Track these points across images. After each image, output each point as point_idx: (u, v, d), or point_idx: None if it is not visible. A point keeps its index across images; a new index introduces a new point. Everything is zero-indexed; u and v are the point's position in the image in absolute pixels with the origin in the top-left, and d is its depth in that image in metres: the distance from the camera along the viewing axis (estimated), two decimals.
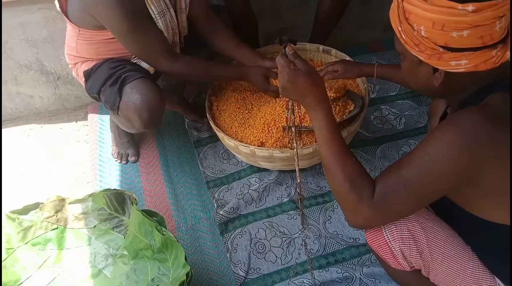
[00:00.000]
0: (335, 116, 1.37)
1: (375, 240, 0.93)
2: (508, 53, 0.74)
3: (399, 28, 0.78)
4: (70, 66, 1.48)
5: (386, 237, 0.90)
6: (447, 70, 0.76)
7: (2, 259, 1.14)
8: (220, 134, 1.42)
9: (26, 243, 1.20)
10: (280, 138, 1.38)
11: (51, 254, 1.20)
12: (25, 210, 1.22)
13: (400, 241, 0.89)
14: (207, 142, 1.70)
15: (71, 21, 1.32)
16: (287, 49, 0.94)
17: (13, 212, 1.21)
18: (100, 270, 1.18)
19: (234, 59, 1.53)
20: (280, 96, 1.01)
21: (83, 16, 1.27)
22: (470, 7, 0.69)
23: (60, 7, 1.34)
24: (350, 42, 2.11)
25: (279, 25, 2.06)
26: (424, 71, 0.81)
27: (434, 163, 0.75)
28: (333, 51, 1.63)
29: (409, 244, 0.89)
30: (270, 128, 1.39)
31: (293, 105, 1.13)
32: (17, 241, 1.19)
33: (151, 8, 1.26)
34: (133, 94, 1.30)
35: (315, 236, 1.33)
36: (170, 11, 1.33)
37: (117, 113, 1.37)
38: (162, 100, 1.35)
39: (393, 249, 0.91)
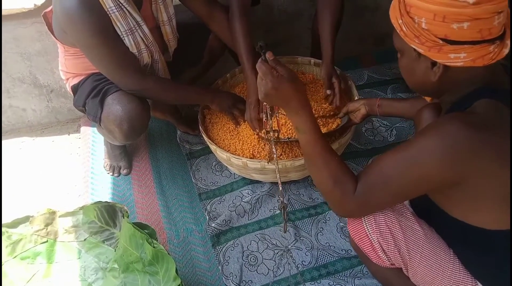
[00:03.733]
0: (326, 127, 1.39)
1: (357, 233, 0.96)
2: (505, 50, 0.76)
3: (400, 21, 0.80)
4: (64, 81, 1.50)
5: (366, 229, 0.94)
6: (446, 64, 0.78)
7: None
8: (213, 147, 1.42)
9: (15, 257, 1.18)
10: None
11: (40, 268, 1.19)
12: (15, 224, 1.20)
13: (379, 233, 0.92)
14: (200, 154, 1.71)
15: (56, 39, 1.33)
16: (267, 55, 0.93)
17: (3, 225, 1.19)
18: (90, 284, 1.16)
19: (231, 47, 1.52)
20: (261, 101, 1.00)
21: (62, 34, 1.28)
22: None
23: (47, 25, 1.36)
24: (342, 56, 2.13)
25: (272, 38, 2.09)
26: (422, 66, 0.83)
27: (416, 166, 0.78)
28: None
29: (387, 238, 0.92)
30: (262, 141, 1.40)
31: (272, 110, 1.11)
32: (6, 255, 1.17)
33: (117, 25, 1.23)
34: (114, 105, 1.31)
35: (307, 248, 1.33)
36: (142, 28, 1.30)
37: (100, 125, 1.38)
38: (143, 112, 1.34)
39: (372, 241, 0.94)
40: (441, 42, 0.76)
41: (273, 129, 1.12)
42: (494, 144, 0.73)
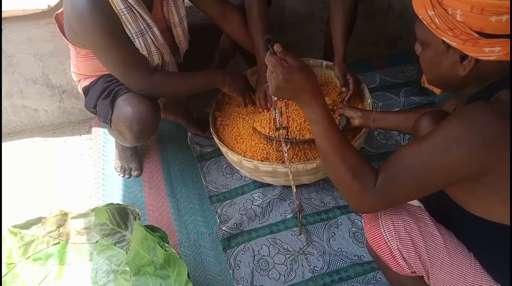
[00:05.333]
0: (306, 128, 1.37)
1: (375, 240, 0.93)
2: None
3: (431, 13, 0.77)
4: (76, 83, 1.50)
5: (384, 236, 0.91)
6: (479, 58, 0.75)
7: (2, 275, 1.13)
8: (224, 149, 1.41)
9: (27, 258, 1.18)
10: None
11: (52, 270, 1.19)
12: (27, 225, 1.21)
13: (398, 240, 0.89)
14: (210, 156, 1.70)
15: (68, 40, 1.34)
16: (275, 47, 0.91)
17: (15, 226, 1.20)
18: None
19: (246, 48, 1.52)
20: (272, 96, 0.98)
21: (73, 35, 1.28)
22: None
23: (58, 27, 1.36)
24: (354, 58, 2.12)
25: (284, 40, 2.07)
26: (449, 60, 0.79)
27: (443, 156, 0.74)
28: None
29: (407, 245, 0.89)
30: (267, 132, 1.38)
31: (280, 107, 1.09)
32: (18, 256, 1.18)
33: (127, 27, 1.23)
34: (124, 107, 1.31)
35: (319, 253, 1.32)
36: (153, 30, 1.29)
37: (110, 126, 1.38)
38: (153, 113, 1.33)
39: (391, 248, 0.91)
40: (476, 35, 0.73)
41: (283, 125, 1.09)
42: None
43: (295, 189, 1.10)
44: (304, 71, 0.88)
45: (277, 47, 0.90)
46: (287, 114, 1.20)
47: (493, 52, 0.73)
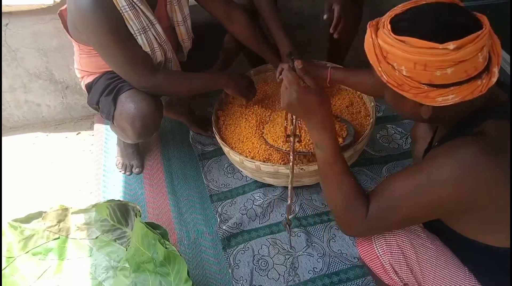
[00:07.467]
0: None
1: (367, 255, 0.93)
2: (493, 79, 0.72)
3: (379, 68, 0.76)
4: (79, 79, 1.50)
5: (376, 250, 0.91)
6: (435, 105, 0.74)
7: (2, 268, 1.13)
8: (226, 149, 1.41)
9: (27, 252, 1.18)
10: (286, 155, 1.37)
11: (52, 264, 1.19)
12: (28, 219, 1.21)
13: (390, 255, 0.89)
14: (212, 155, 1.70)
15: (71, 37, 1.34)
16: (296, 62, 0.91)
17: (15, 220, 1.20)
18: (100, 282, 1.16)
19: (251, 49, 1.52)
20: (282, 109, 0.96)
21: (77, 32, 1.28)
22: (451, 45, 0.67)
23: (62, 23, 1.37)
24: (356, 61, 2.11)
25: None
26: (410, 104, 0.78)
27: (430, 193, 0.75)
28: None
29: (399, 259, 0.89)
30: (280, 145, 1.38)
31: (292, 117, 1.09)
32: (18, 250, 1.18)
33: (129, 24, 1.23)
34: (127, 103, 1.31)
35: (318, 255, 1.31)
36: (155, 27, 1.29)
37: (112, 123, 1.38)
38: (156, 110, 1.33)
39: (383, 263, 0.91)
40: (426, 87, 0.72)
41: (294, 133, 1.09)
42: (509, 168, 0.70)
43: (289, 201, 1.08)
44: (318, 95, 0.88)
45: (298, 63, 0.90)
46: (299, 124, 1.18)
47: (447, 100, 0.72)
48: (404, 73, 0.72)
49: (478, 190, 0.71)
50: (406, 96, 0.75)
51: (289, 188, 1.09)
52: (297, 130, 1.21)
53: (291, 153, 1.10)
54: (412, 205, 0.78)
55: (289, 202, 1.10)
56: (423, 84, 0.71)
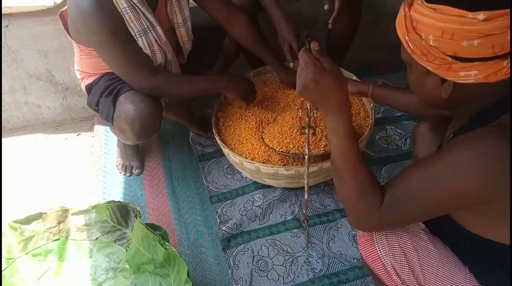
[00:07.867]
0: (321, 140, 1.35)
1: (369, 256, 0.93)
2: None
3: (406, 38, 0.76)
4: (79, 80, 1.51)
5: (378, 252, 0.90)
6: (456, 81, 0.74)
7: (2, 269, 1.13)
8: (226, 150, 1.42)
9: (27, 253, 1.18)
10: (285, 157, 1.37)
11: (51, 266, 1.19)
12: (28, 220, 1.21)
13: (392, 256, 0.88)
14: (212, 156, 1.70)
15: (72, 38, 1.34)
16: (312, 44, 0.87)
17: (16, 221, 1.20)
18: (100, 284, 1.16)
19: (251, 51, 1.53)
20: (297, 94, 0.91)
21: (77, 33, 1.29)
22: (481, 15, 0.67)
23: (63, 24, 1.37)
24: (356, 63, 2.12)
25: None
26: (432, 82, 0.78)
27: (450, 183, 0.73)
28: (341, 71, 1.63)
29: (401, 261, 0.88)
30: (275, 146, 1.39)
31: (308, 107, 1.06)
32: (18, 251, 1.18)
33: (130, 26, 1.23)
34: (126, 104, 1.31)
35: (318, 255, 1.32)
36: (156, 29, 1.29)
37: (112, 124, 1.38)
38: (155, 111, 1.34)
39: (385, 264, 0.90)
40: (450, 59, 0.71)
41: (309, 125, 1.05)
42: None
43: (306, 196, 1.06)
44: (336, 76, 0.85)
45: (314, 45, 0.86)
46: (314, 115, 1.15)
47: (469, 76, 0.71)
48: (431, 43, 0.72)
49: (501, 179, 0.69)
50: (429, 68, 0.75)
51: (305, 182, 1.06)
52: (312, 121, 1.14)
53: (306, 145, 1.06)
54: (430, 195, 0.75)
55: (306, 196, 1.07)
56: (448, 55, 0.72)
